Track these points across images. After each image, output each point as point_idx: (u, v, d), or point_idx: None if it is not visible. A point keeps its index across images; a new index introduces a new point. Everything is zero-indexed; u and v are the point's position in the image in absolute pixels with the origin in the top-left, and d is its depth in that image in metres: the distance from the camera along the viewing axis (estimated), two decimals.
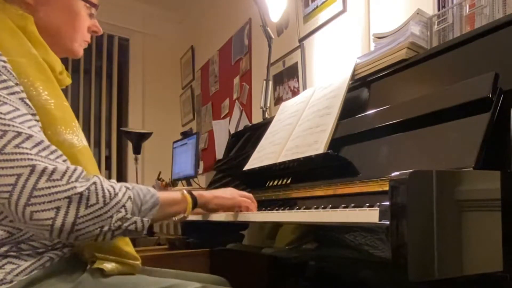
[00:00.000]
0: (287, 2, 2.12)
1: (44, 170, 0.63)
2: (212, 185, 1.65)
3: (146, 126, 3.53)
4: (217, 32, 3.20)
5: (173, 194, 0.85)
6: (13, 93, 0.67)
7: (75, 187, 0.64)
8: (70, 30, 0.86)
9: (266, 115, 1.88)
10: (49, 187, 0.63)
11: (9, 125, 0.63)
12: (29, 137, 0.64)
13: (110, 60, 3.65)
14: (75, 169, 0.66)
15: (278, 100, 2.35)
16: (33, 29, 0.77)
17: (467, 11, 1.09)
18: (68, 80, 0.86)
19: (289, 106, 1.36)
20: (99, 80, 3.60)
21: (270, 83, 1.93)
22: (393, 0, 1.64)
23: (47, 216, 0.62)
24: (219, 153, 2.71)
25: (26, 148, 0.63)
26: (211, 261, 1.54)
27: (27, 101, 0.69)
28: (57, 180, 0.63)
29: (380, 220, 0.58)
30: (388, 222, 0.56)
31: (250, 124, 1.92)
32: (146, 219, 0.73)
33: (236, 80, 2.88)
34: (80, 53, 0.90)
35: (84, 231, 0.65)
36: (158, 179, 2.88)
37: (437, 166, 0.72)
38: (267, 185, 1.18)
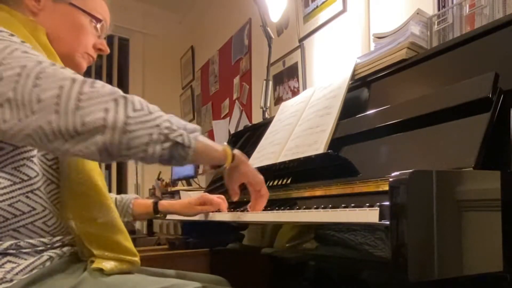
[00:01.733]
0: (287, 2, 2.12)
1: (85, 80, 0.63)
2: (212, 185, 1.65)
3: None
4: (217, 32, 3.20)
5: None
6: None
7: (118, 91, 0.64)
8: (73, 41, 0.86)
9: (266, 115, 1.88)
10: (93, 91, 0.62)
11: (44, 59, 0.65)
12: (64, 67, 0.65)
13: (110, 60, 3.65)
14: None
15: (278, 100, 2.35)
16: (45, 41, 0.79)
17: (467, 11, 1.09)
18: None
19: (289, 106, 1.36)
20: (99, 80, 3.59)
21: (270, 83, 1.93)
22: (393, 0, 1.64)
23: (98, 116, 0.61)
24: None
25: (63, 71, 0.64)
26: (211, 261, 1.54)
27: None
28: (99, 87, 0.63)
29: (380, 220, 0.58)
30: (388, 222, 0.56)
31: (250, 124, 1.92)
32: (192, 136, 0.70)
33: (236, 80, 2.88)
34: (83, 66, 0.90)
35: (135, 135, 0.63)
36: (158, 179, 2.88)
37: (437, 166, 0.72)
38: (267, 185, 1.17)
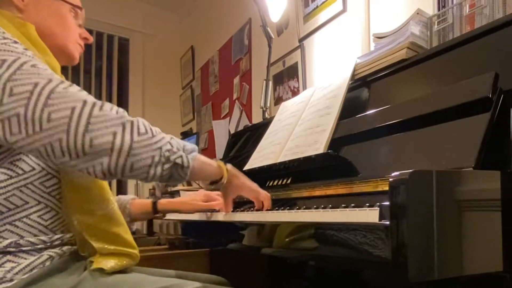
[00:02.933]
0: (287, 2, 2.12)
1: (95, 103, 0.66)
2: (212, 185, 1.65)
3: None
4: (217, 32, 3.20)
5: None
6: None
7: (124, 116, 0.68)
8: (61, 29, 0.89)
9: (266, 115, 1.88)
10: (103, 115, 0.65)
11: (52, 75, 0.67)
12: (72, 85, 0.68)
13: (110, 60, 3.65)
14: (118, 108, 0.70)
15: (278, 100, 2.35)
16: (36, 36, 0.80)
17: (467, 11, 1.09)
18: None
19: (289, 106, 1.36)
20: (99, 80, 3.60)
21: (270, 83, 1.93)
22: (393, 0, 1.64)
23: (106, 140, 0.64)
24: (219, 153, 2.71)
25: (74, 91, 0.66)
26: (211, 261, 1.54)
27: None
28: (108, 110, 0.67)
29: (380, 220, 0.58)
30: (388, 222, 0.56)
31: (250, 124, 1.92)
32: (190, 156, 0.75)
33: (236, 80, 2.88)
34: (76, 56, 0.93)
35: (139, 158, 0.67)
36: None
37: (437, 166, 0.72)
38: (267, 185, 1.18)
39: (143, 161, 0.68)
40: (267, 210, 0.96)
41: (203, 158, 0.82)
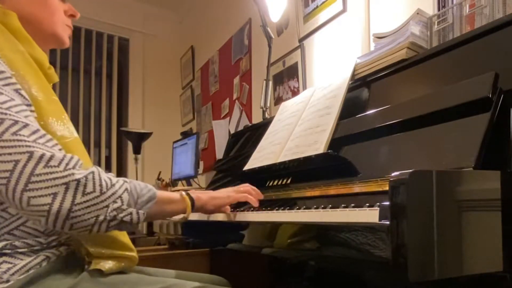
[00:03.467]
0: (287, 2, 2.12)
1: (41, 157, 0.63)
2: (212, 185, 1.65)
3: (146, 126, 3.53)
4: (217, 32, 3.20)
5: (172, 193, 0.85)
6: (8, 84, 0.68)
7: (73, 173, 0.65)
8: (46, 14, 0.84)
9: (266, 115, 1.88)
10: (46, 173, 0.63)
11: (6, 114, 0.64)
12: (26, 125, 0.65)
13: (110, 60, 3.65)
14: (71, 157, 0.67)
15: (278, 100, 2.35)
16: (18, 25, 0.77)
17: (467, 11, 1.09)
18: (55, 77, 0.85)
19: (289, 106, 1.36)
20: (99, 80, 3.60)
21: (270, 83, 1.93)
22: (393, 0, 1.64)
23: (44, 202, 0.62)
24: (219, 153, 2.71)
25: (24, 136, 0.64)
26: (211, 261, 1.54)
27: (22, 92, 0.70)
28: (55, 166, 0.64)
29: (380, 220, 0.58)
30: (388, 222, 0.56)
31: (250, 124, 1.92)
32: (142, 211, 0.73)
33: (236, 80, 2.88)
34: (66, 39, 0.89)
35: (80, 219, 0.65)
36: (158, 179, 2.88)
37: (437, 166, 0.72)
38: (267, 185, 1.18)
39: (85, 222, 0.66)
40: (267, 210, 0.96)
41: (164, 197, 0.80)
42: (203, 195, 0.92)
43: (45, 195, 0.62)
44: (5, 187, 0.62)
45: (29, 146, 0.63)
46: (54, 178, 0.63)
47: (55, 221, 0.64)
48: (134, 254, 0.83)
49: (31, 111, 0.70)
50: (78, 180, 0.64)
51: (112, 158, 3.59)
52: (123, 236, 0.83)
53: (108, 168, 3.60)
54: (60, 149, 0.68)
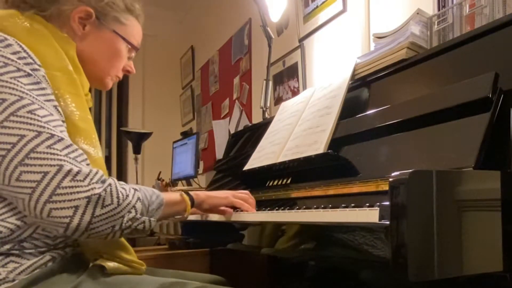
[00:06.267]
0: (287, 2, 2.12)
1: (70, 171, 0.66)
2: (212, 185, 1.65)
3: (146, 126, 3.53)
4: (217, 32, 3.20)
5: (173, 195, 0.87)
6: (49, 100, 0.71)
7: (94, 188, 0.67)
8: (107, 65, 0.90)
9: (266, 115, 1.88)
10: (71, 187, 0.65)
11: (44, 127, 0.67)
12: (61, 139, 0.68)
13: None
14: (96, 172, 0.69)
15: (278, 100, 2.35)
16: (73, 55, 0.81)
17: (467, 11, 1.09)
18: (90, 103, 0.89)
19: (289, 106, 1.36)
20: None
21: (270, 83, 1.93)
22: (393, 0, 1.64)
23: (65, 214, 0.65)
24: (219, 153, 2.71)
25: (57, 150, 0.66)
26: (211, 261, 1.54)
27: (59, 109, 0.73)
28: (80, 181, 0.66)
29: (380, 220, 0.58)
30: (388, 222, 0.56)
31: (250, 124, 1.92)
32: (153, 219, 0.77)
33: (236, 80, 2.88)
34: (109, 86, 0.95)
35: (97, 230, 0.68)
36: (158, 179, 2.88)
37: (437, 166, 0.72)
38: (267, 185, 1.18)
39: (102, 232, 0.69)
40: (267, 210, 0.96)
41: (169, 201, 0.83)
42: (201, 193, 0.95)
43: (67, 207, 0.65)
44: (29, 196, 0.64)
45: (60, 160, 0.66)
46: (78, 192, 0.65)
47: (74, 232, 0.67)
48: (143, 268, 0.85)
49: (65, 127, 0.73)
50: (99, 195, 0.67)
51: (112, 158, 3.60)
52: (130, 255, 0.84)
53: (108, 169, 3.59)
54: (88, 164, 0.71)
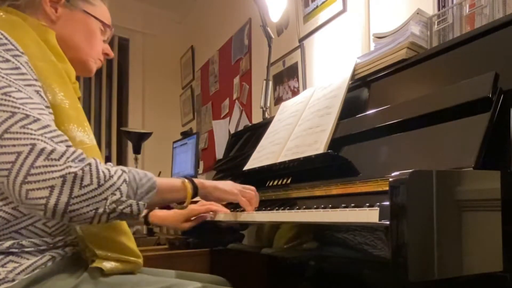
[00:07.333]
0: (287, 2, 2.12)
1: (43, 149, 0.63)
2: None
3: (146, 126, 3.53)
4: (217, 32, 3.19)
5: (173, 180, 0.84)
6: (29, 85, 0.69)
7: (70, 166, 0.64)
8: (87, 47, 0.90)
9: (266, 115, 1.88)
10: (46, 166, 0.63)
11: (19, 108, 0.65)
12: (37, 120, 0.66)
13: (110, 60, 3.65)
14: (74, 151, 0.67)
15: (278, 100, 2.35)
16: (54, 43, 0.81)
17: (467, 11, 1.09)
18: (78, 92, 0.88)
19: (289, 106, 1.36)
20: (99, 80, 3.60)
21: (270, 83, 1.93)
22: (393, 0, 1.64)
23: (41, 195, 0.62)
24: (219, 153, 2.71)
25: (31, 129, 0.64)
26: (211, 261, 1.54)
27: (42, 94, 0.71)
28: (55, 160, 0.64)
29: (380, 220, 0.58)
30: (388, 222, 0.56)
31: (250, 124, 1.92)
32: (142, 202, 0.73)
33: (236, 80, 2.88)
34: (93, 70, 0.94)
35: (78, 212, 0.65)
36: None
37: (437, 166, 0.72)
38: (267, 185, 1.18)
39: (84, 215, 0.66)
40: (267, 210, 0.96)
41: (165, 186, 0.80)
42: (208, 184, 0.92)
43: (43, 188, 0.62)
44: (7, 179, 0.63)
45: (34, 139, 0.64)
46: (52, 171, 0.63)
47: (53, 215, 0.64)
48: (140, 260, 0.84)
49: (50, 113, 0.71)
50: (75, 173, 0.64)
51: (112, 158, 3.60)
52: (130, 242, 0.83)
53: None
54: (68, 146, 0.68)
